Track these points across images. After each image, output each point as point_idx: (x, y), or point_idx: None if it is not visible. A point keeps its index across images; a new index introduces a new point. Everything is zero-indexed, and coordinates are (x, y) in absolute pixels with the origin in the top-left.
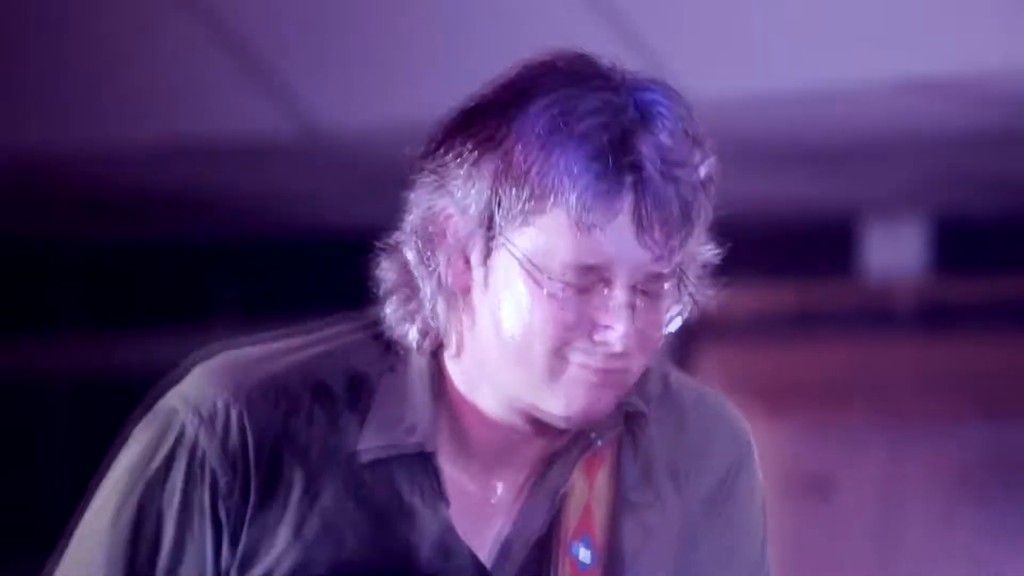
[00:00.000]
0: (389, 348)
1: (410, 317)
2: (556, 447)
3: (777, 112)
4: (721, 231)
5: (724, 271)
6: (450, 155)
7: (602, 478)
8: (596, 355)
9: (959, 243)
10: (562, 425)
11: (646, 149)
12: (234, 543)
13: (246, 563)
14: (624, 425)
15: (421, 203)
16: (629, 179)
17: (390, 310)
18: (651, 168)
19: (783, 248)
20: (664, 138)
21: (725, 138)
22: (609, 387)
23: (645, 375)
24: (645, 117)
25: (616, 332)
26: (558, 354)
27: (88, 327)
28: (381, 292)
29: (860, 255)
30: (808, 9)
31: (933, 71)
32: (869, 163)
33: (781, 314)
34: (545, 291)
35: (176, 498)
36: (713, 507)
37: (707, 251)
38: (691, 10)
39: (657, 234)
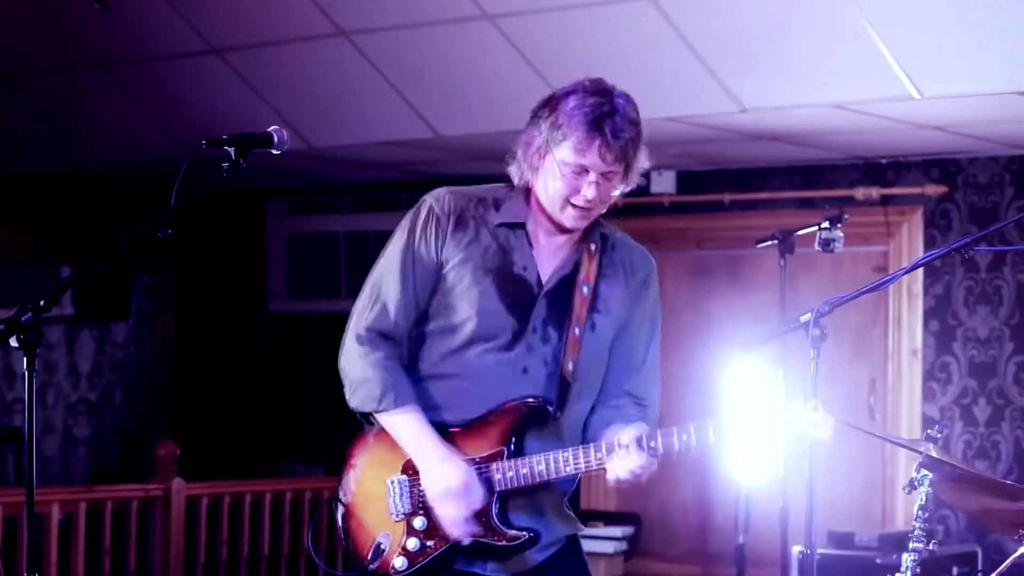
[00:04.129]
0: (513, 189)
1: (517, 174)
2: (577, 236)
3: None
4: None
5: None
6: (538, 114)
7: (595, 260)
8: (581, 200)
9: None
10: (569, 227)
11: (610, 122)
12: (443, 247)
13: (449, 258)
14: (601, 241)
15: (525, 131)
16: (599, 134)
17: (511, 170)
18: (609, 131)
19: None
20: (618, 119)
21: None
22: (584, 217)
23: (608, 227)
24: (613, 108)
25: (590, 192)
26: (566, 200)
27: None
28: (508, 166)
29: None
30: None
31: None
32: None
33: None
34: (560, 172)
35: (421, 228)
36: (641, 288)
37: (639, 167)
38: None
39: (609, 157)
